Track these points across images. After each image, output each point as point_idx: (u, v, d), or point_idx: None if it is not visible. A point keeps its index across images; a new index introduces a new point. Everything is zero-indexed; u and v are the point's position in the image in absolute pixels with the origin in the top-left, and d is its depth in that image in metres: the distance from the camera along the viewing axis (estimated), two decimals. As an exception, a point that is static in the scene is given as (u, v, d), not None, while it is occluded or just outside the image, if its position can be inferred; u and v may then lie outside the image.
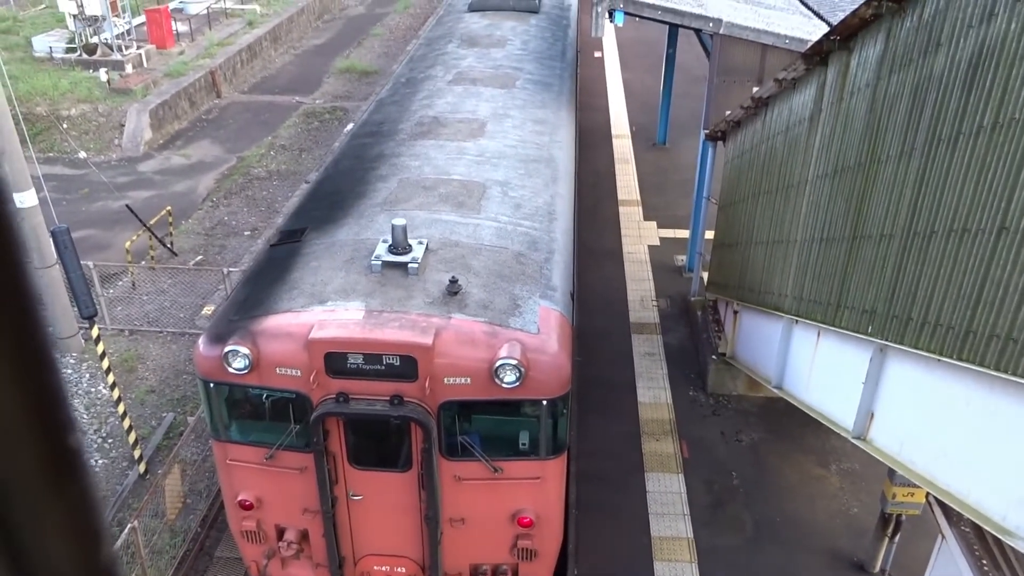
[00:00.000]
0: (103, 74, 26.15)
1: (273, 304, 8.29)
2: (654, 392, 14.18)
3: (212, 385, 8.31)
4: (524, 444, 8.39)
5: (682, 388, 14.31)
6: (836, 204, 8.55)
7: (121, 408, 12.34)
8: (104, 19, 26.67)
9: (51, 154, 23.85)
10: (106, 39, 27.14)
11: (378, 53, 34.96)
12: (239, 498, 8.78)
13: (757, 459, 12.81)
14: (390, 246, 8.59)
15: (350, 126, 21.64)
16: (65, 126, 24.36)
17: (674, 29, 20.12)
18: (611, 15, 14.21)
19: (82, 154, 23.42)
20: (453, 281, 8.16)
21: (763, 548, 11.23)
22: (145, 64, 27.75)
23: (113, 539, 10.27)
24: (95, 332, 11.77)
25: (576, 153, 14.36)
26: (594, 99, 27.32)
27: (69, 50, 27.36)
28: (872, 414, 7.56)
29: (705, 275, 15.92)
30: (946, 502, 6.29)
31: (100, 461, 12.97)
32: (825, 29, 12.21)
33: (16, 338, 0.57)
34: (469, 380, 7.86)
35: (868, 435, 7.63)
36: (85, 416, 13.84)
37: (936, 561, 8.25)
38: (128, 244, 17.34)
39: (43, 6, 34.49)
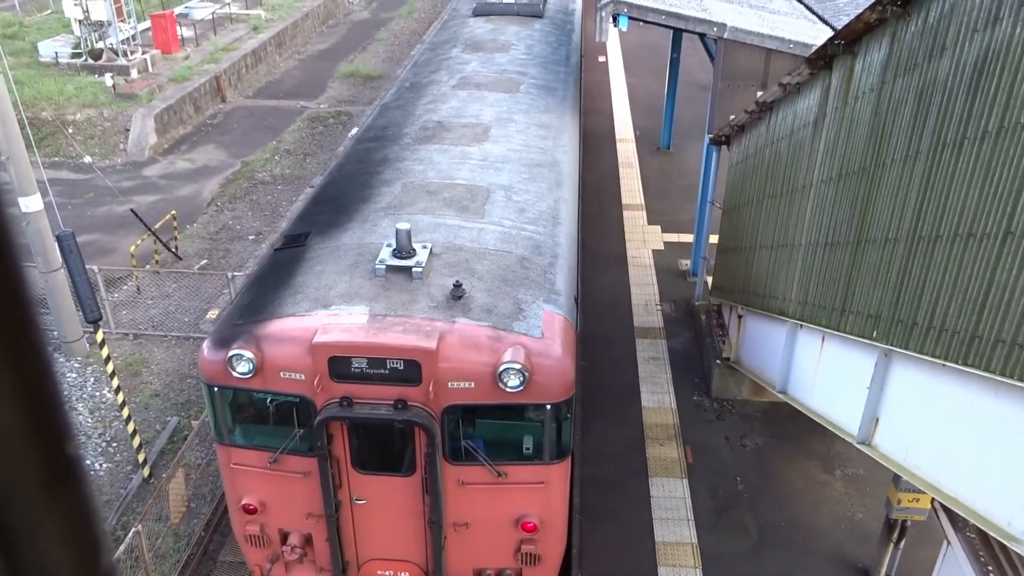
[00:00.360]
0: (108, 79, 26.24)
1: (277, 308, 8.30)
2: (658, 397, 14.16)
3: (216, 389, 8.32)
4: (528, 448, 8.39)
5: (686, 393, 14.28)
6: (841, 208, 8.54)
7: (125, 412, 12.36)
8: (110, 24, 26.78)
9: (56, 159, 23.93)
10: (111, 44, 27.24)
11: (382, 58, 35.03)
12: (243, 502, 8.78)
13: (761, 464, 12.77)
14: (394, 250, 8.59)
15: (354, 130, 21.68)
16: (70, 131, 24.44)
17: (678, 34, 20.12)
18: (615, 19, 14.21)
19: (87, 159, 23.51)
20: (457, 285, 8.16)
21: (768, 553, 11.19)
22: (150, 69, 27.84)
23: (117, 543, 10.29)
24: (100, 336, 11.79)
25: (580, 157, 14.37)
26: (598, 103, 27.34)
27: (75, 55, 27.49)
28: (877, 419, 7.54)
29: (709, 279, 15.90)
30: (951, 508, 6.26)
31: (104, 465, 12.99)
32: (829, 33, 12.21)
33: (15, 346, 0.57)
34: (473, 384, 7.86)
35: (873, 440, 7.60)
36: (89, 420, 13.86)
37: (941, 567, 8.21)
38: (133, 248, 17.39)
39: (49, 11, 34.65)
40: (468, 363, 7.81)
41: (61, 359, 15.14)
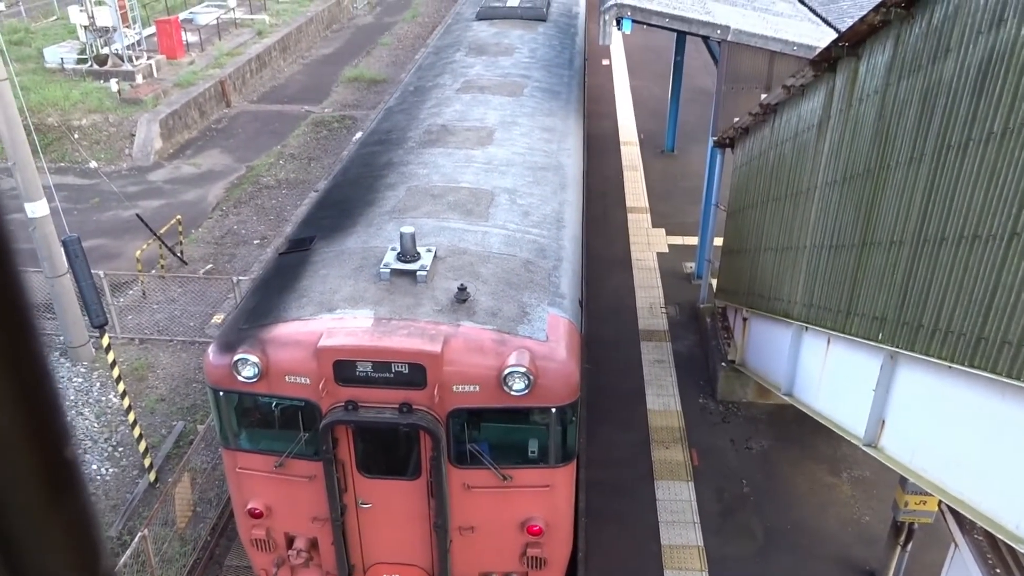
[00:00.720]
0: (114, 84, 26.35)
1: (282, 312, 8.31)
2: (663, 400, 14.13)
3: (222, 393, 8.33)
4: (533, 452, 8.38)
5: (691, 395, 14.26)
6: (845, 210, 8.52)
7: (131, 417, 12.38)
8: (115, 30, 26.89)
9: (62, 164, 24.02)
10: (117, 50, 27.35)
11: (386, 62, 35.11)
12: (249, 506, 8.79)
13: (767, 467, 12.74)
14: (399, 254, 8.60)
15: (359, 135, 21.71)
16: (76, 136, 24.53)
17: (682, 36, 20.13)
18: (619, 23, 14.21)
19: (93, 164, 23.59)
20: (462, 289, 8.16)
21: (774, 556, 11.16)
22: (155, 74, 27.94)
23: (123, 548, 10.31)
24: (105, 341, 11.82)
25: (584, 160, 14.36)
26: (602, 106, 27.35)
27: (80, 61, 27.60)
28: (883, 421, 7.52)
29: (714, 282, 15.87)
30: (959, 510, 6.24)
31: (111, 470, 13.01)
32: (833, 35, 12.20)
33: (13, 351, 0.57)
34: (478, 388, 7.86)
35: (879, 443, 7.58)
36: (96, 425, 13.89)
37: (949, 570, 8.17)
38: (138, 253, 17.44)
39: (55, 17, 34.81)
40: (473, 367, 7.81)
41: (67, 364, 15.17)
